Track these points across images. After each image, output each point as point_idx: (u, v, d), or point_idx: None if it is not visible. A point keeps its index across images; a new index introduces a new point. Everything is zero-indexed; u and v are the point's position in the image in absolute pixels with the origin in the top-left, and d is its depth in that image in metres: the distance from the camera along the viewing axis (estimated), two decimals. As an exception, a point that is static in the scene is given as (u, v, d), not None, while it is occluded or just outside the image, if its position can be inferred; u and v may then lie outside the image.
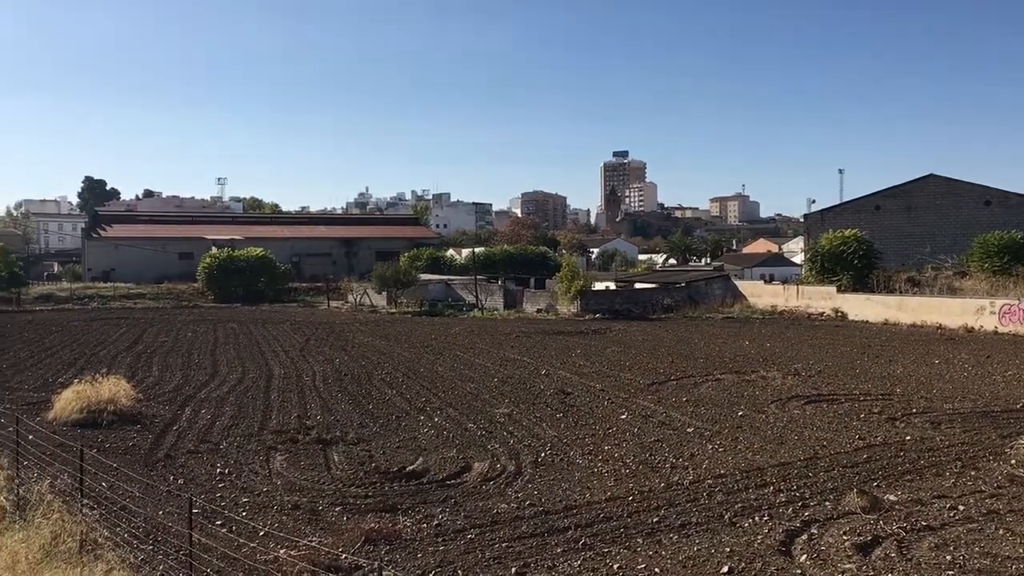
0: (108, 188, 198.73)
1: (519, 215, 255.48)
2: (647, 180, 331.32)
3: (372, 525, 12.55)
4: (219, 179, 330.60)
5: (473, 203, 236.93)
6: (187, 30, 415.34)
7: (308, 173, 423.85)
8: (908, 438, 18.41)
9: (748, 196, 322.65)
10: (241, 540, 11.60)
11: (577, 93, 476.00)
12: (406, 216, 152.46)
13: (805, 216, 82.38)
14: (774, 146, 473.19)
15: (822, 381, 26.72)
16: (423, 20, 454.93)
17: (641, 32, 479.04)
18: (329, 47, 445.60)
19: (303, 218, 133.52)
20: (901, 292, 50.99)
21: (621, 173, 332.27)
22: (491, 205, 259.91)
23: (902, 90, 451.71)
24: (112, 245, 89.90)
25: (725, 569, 10.90)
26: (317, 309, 65.79)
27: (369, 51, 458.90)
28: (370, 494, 14.64)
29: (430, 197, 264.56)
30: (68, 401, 20.79)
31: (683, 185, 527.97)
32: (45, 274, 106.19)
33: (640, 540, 12.07)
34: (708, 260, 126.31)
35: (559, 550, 11.73)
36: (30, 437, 15.53)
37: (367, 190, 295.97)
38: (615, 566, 11.07)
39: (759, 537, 12.08)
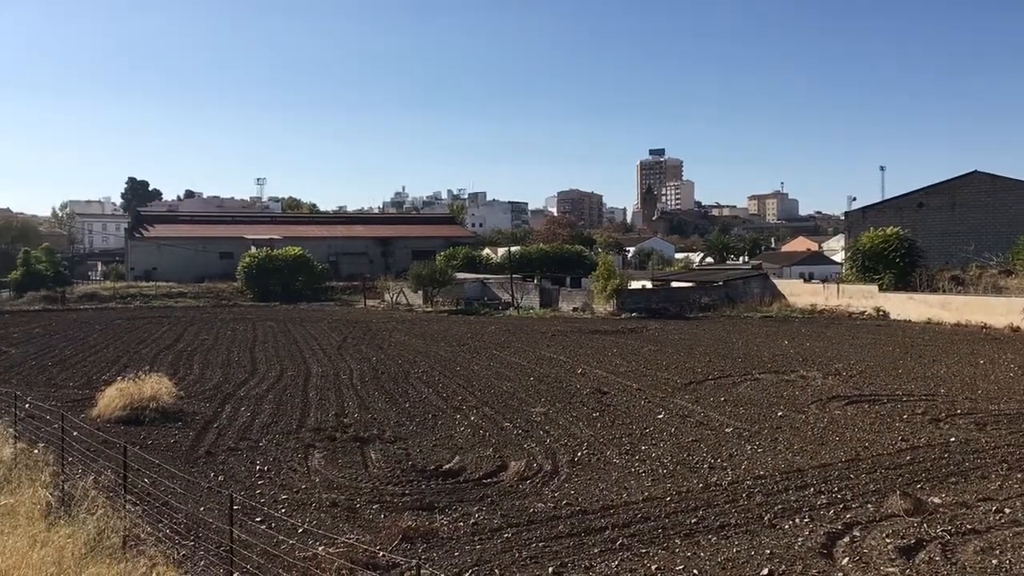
0: (151, 189, 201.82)
1: (555, 214, 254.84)
2: (684, 178, 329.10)
3: (409, 523, 12.60)
4: (258, 179, 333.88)
5: (509, 202, 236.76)
6: (227, 32, 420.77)
7: (345, 173, 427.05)
8: (952, 439, 18.10)
9: (787, 194, 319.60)
10: (280, 537, 11.72)
11: (613, 91, 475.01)
12: (442, 215, 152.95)
13: (846, 214, 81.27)
14: (813, 143, 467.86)
15: (864, 381, 26.35)
16: (459, 18, 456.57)
17: (678, 29, 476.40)
18: (365, 47, 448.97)
19: (340, 218, 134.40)
20: (945, 291, 50.09)
21: (658, 171, 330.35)
22: (527, 204, 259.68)
23: (945, 85, 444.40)
24: (154, 245, 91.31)
25: (765, 572, 10.78)
26: (354, 308, 66.23)
27: (404, 50, 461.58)
28: (407, 492, 14.70)
29: (466, 196, 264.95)
30: (112, 398, 21.15)
31: (721, 183, 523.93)
32: (89, 273, 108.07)
33: (678, 541, 11.99)
34: (746, 259, 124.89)
35: (596, 550, 11.68)
36: (75, 434, 15.81)
37: (403, 189, 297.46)
38: (653, 567, 11.01)
39: (799, 539, 11.94)
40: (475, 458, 17.00)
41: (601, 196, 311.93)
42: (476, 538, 12.25)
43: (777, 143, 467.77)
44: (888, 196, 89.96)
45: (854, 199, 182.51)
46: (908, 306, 49.21)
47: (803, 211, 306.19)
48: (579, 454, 17.30)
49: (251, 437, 19.06)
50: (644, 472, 15.84)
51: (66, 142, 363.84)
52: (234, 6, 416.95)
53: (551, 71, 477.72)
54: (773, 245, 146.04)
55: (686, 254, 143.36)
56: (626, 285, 58.48)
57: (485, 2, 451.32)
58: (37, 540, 10.80)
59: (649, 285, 67.17)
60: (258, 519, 12.73)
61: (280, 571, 10.70)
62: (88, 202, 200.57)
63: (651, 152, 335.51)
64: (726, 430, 19.41)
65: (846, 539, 11.95)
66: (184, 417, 21.21)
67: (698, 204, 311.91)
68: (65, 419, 15.49)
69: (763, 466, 16.09)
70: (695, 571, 10.86)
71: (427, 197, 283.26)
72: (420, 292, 65.48)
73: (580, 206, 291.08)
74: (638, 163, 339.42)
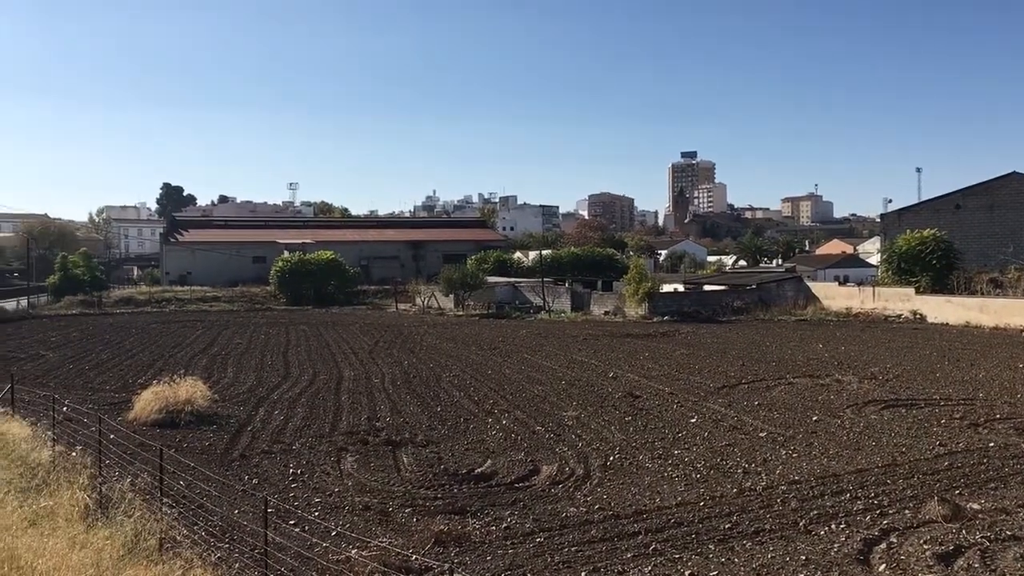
0: (185, 194, 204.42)
1: (586, 217, 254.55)
2: (716, 181, 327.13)
3: (441, 527, 12.62)
4: (291, 184, 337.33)
5: (540, 205, 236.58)
6: (260, 40, 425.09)
7: (377, 177, 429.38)
8: (992, 445, 17.79)
9: (821, 196, 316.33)
10: (314, 540, 11.77)
11: (644, 93, 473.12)
12: (473, 219, 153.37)
13: (881, 216, 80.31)
14: (848, 145, 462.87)
15: (900, 385, 25.99)
16: (490, 23, 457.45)
17: (709, 31, 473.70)
18: (395, 52, 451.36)
19: (372, 222, 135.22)
20: (983, 294, 49.33)
21: (689, 174, 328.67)
22: (558, 207, 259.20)
23: (982, 86, 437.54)
24: (188, 249, 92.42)
25: (800, 578, 10.65)
26: (385, 312, 66.53)
27: (435, 55, 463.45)
28: (439, 496, 14.72)
29: (497, 200, 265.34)
30: (147, 402, 21.42)
31: (754, 185, 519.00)
32: (125, 278, 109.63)
33: (712, 547, 11.88)
34: (779, 261, 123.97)
35: (629, 555, 11.62)
36: (112, 437, 16.03)
37: (434, 193, 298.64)
38: (686, 573, 10.93)
39: (836, 545, 11.79)
40: (507, 462, 16.99)
41: (632, 199, 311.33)
42: (508, 542, 12.23)
43: (811, 145, 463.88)
44: (924, 198, 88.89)
45: (890, 201, 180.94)
46: (946, 309, 48.50)
47: (838, 213, 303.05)
48: (611, 458, 17.23)
49: (284, 440, 19.20)
50: (677, 477, 15.74)
51: (103, 149, 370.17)
52: (269, 14, 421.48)
53: (582, 74, 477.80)
54: (807, 248, 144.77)
55: (718, 257, 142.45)
56: (658, 288, 58.20)
57: (517, 7, 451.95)
58: (76, 542, 10.96)
59: (681, 288, 66.78)
60: (292, 522, 12.81)
61: (313, 574, 10.77)
62: (124, 207, 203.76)
63: (683, 155, 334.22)
64: (760, 434, 19.24)
65: (883, 545, 11.78)
66: (218, 420, 21.42)
67: (730, 207, 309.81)
68: (102, 422, 15.69)
69: (798, 471, 15.91)
70: (729, 577, 10.76)
71: (458, 201, 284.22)
72: (451, 296, 65.62)
73: (611, 209, 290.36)
74: (670, 166, 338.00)
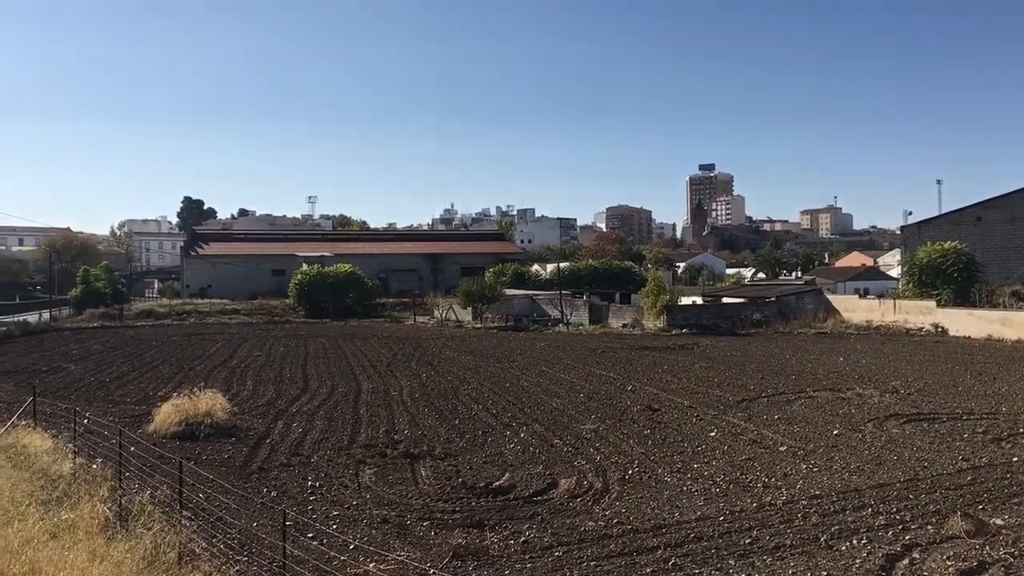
0: (205, 208, 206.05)
1: (604, 229, 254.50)
2: (734, 193, 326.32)
3: (459, 541, 12.58)
4: (310, 198, 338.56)
5: (558, 218, 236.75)
6: (279, 55, 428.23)
7: (395, 190, 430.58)
8: (1015, 459, 17.59)
9: (840, 208, 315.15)
10: (332, 553, 11.77)
11: (662, 106, 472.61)
12: (491, 231, 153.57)
13: (902, 228, 79.87)
14: (867, 157, 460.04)
15: (922, 399, 25.74)
16: (508, 37, 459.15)
17: (727, 43, 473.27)
18: (414, 67, 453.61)
19: (390, 234, 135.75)
20: (1005, 307, 48.89)
21: (707, 186, 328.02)
22: (575, 220, 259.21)
23: (1002, 97, 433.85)
24: (209, 262, 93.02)
25: (822, 594, 10.55)
26: (404, 324, 66.65)
27: (453, 68, 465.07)
28: (457, 509, 14.69)
29: (515, 212, 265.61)
30: (167, 414, 21.54)
31: (772, 198, 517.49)
32: (146, 291, 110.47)
33: (732, 562, 11.79)
34: (799, 274, 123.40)
35: (648, 570, 11.55)
36: (132, 449, 16.09)
37: (452, 206, 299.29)
38: (706, 588, 10.84)
39: (857, 561, 11.66)
40: (525, 475, 16.95)
41: (650, 212, 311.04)
42: (527, 556, 12.19)
43: (830, 157, 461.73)
44: (945, 210, 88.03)
45: (910, 213, 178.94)
46: (967, 322, 48.07)
47: (857, 225, 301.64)
48: (630, 472, 17.15)
49: (303, 453, 19.24)
50: (696, 491, 15.64)
51: (125, 163, 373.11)
52: (289, 30, 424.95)
53: (599, 87, 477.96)
54: (827, 260, 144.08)
55: (737, 270, 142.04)
56: (676, 301, 58.03)
57: (535, 20, 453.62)
58: (96, 554, 11.02)
59: (700, 301, 66.57)
60: (310, 535, 12.82)
61: (332, 587, 10.76)
62: (145, 221, 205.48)
63: (701, 167, 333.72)
64: (780, 449, 19.10)
65: (905, 561, 11.65)
66: (237, 433, 21.50)
67: (749, 219, 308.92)
68: (122, 434, 15.79)
69: (819, 486, 15.78)
70: (750, 593, 10.67)
71: (476, 214, 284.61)
72: (469, 308, 65.66)
73: (629, 222, 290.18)
74: (687, 178, 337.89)
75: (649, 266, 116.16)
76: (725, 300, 65.63)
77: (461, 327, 61.99)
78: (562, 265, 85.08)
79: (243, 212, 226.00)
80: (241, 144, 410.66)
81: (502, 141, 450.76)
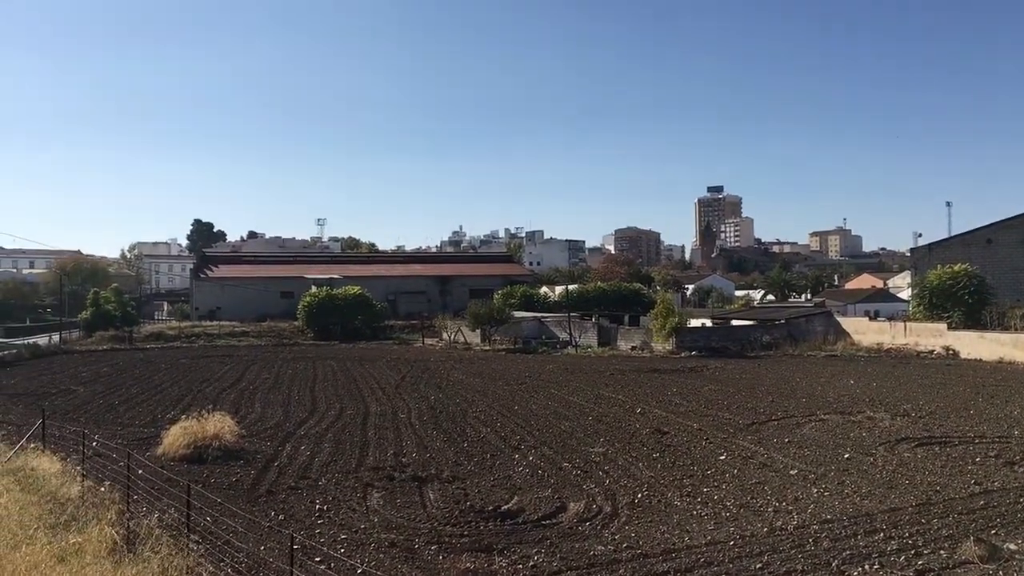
0: (215, 230, 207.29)
1: (612, 252, 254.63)
2: (743, 215, 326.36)
3: (468, 565, 12.51)
4: (319, 220, 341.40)
5: (566, 240, 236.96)
6: (287, 77, 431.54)
7: (404, 212, 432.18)
8: (1029, 484, 17.41)
9: (850, 230, 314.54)
10: (339, 578, 11.69)
11: (670, 128, 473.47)
12: (499, 254, 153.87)
13: (912, 250, 79.79)
14: (877, 178, 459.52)
15: (934, 422, 25.55)
16: (513, 60, 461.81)
17: (734, 66, 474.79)
18: (421, 89, 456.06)
19: (399, 257, 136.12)
20: (1017, 329, 48.59)
21: (716, 208, 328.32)
22: (584, 242, 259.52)
23: (1011, 119, 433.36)
24: (218, 285, 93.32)
25: (834, 620, 10.43)
26: (412, 347, 66.66)
27: (462, 91, 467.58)
28: (465, 533, 14.60)
29: (523, 234, 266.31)
30: (176, 437, 21.53)
31: (781, 219, 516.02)
32: (155, 313, 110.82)
33: (743, 587, 11.67)
34: (808, 296, 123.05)
35: (658, 596, 11.43)
36: (140, 472, 16.07)
37: (461, 228, 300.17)
38: (717, 614, 10.72)
39: (870, 587, 11.53)
40: (534, 499, 16.85)
41: (659, 233, 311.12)
42: (535, 581, 12.09)
43: (839, 178, 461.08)
44: (955, 232, 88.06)
45: (919, 235, 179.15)
46: (979, 345, 47.80)
47: (867, 247, 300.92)
48: (639, 496, 17.04)
49: (311, 476, 19.19)
50: (706, 515, 15.53)
51: (135, 186, 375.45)
52: (297, 54, 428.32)
53: (608, 109, 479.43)
54: (836, 282, 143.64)
55: (746, 292, 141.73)
56: (685, 323, 57.95)
57: (544, 42, 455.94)
58: (103, 578, 10.96)
59: (709, 323, 66.43)
60: (317, 559, 12.75)
61: (339, 612, 10.68)
62: (155, 243, 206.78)
63: (709, 189, 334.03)
64: (791, 472, 18.96)
65: (919, 588, 11.51)
66: (246, 455, 21.46)
67: (758, 241, 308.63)
68: (131, 457, 15.78)
69: (830, 510, 15.64)
70: (761, 619, 10.55)
71: (484, 236, 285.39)
72: (478, 331, 65.66)
73: (637, 244, 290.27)
74: (696, 200, 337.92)
75: (658, 288, 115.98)
76: (734, 322, 65.45)
77: (470, 349, 61.95)
78: (571, 287, 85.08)
79: (252, 234, 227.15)
80: (251, 167, 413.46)
81: (510, 164, 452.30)
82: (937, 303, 54.23)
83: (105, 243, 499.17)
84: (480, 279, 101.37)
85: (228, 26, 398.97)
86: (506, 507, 16.28)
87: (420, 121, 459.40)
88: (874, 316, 68.26)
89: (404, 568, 12.73)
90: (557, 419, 27.19)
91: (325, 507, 16.39)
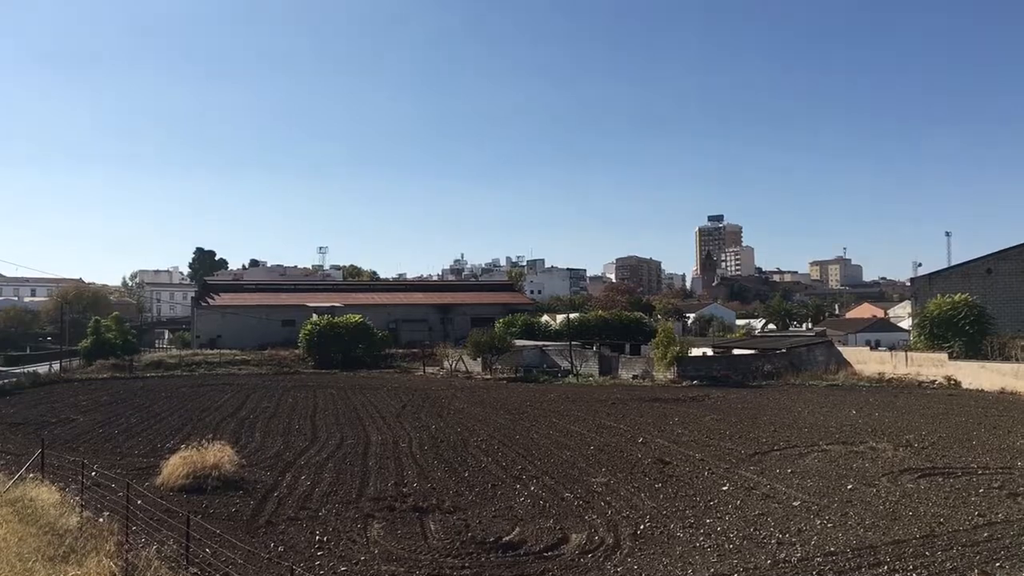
0: (217, 258, 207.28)
1: (613, 280, 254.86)
2: (744, 244, 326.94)
3: (469, 598, 12.40)
4: (320, 248, 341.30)
5: (567, 269, 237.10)
6: (289, 106, 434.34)
7: (405, 241, 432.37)
8: (1034, 516, 17.30)
9: (850, 259, 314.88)
10: (339, 610, 11.60)
11: (671, 157, 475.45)
12: (501, 282, 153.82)
13: (912, 280, 79.78)
14: (877, 208, 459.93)
15: (936, 453, 25.44)
16: (514, 90, 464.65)
17: (736, 95, 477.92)
18: (420, 117, 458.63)
19: (400, 285, 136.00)
20: (1018, 360, 48.49)
21: (717, 237, 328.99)
22: (585, 270, 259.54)
23: (1010, 150, 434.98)
24: (219, 313, 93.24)
25: (839, 655, 10.33)
26: (413, 375, 66.51)
27: (464, 119, 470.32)
28: (466, 565, 14.51)
29: (524, 263, 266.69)
30: (175, 467, 21.46)
31: (781, 249, 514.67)
32: (156, 341, 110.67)
33: (746, 621, 11.57)
34: (809, 325, 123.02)
35: (661, 629, 11.33)
36: (139, 502, 16.01)
37: (462, 256, 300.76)
38: (721, 648, 10.62)
39: (875, 621, 11.43)
40: (535, 530, 16.75)
41: (659, 262, 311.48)
42: (537, 614, 11.99)
43: (839, 208, 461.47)
44: (955, 262, 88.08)
45: (919, 265, 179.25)
46: (980, 375, 47.68)
47: (867, 277, 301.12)
48: (642, 527, 16.94)
49: (311, 507, 19.09)
50: (709, 547, 15.42)
51: (136, 214, 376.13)
52: (298, 84, 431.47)
53: (609, 138, 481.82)
54: (837, 311, 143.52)
55: (747, 320, 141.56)
56: (686, 352, 57.84)
57: (543, 71, 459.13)
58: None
59: (710, 352, 66.36)
60: (317, 591, 12.65)
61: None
62: (157, 272, 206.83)
63: (710, 218, 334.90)
64: (794, 503, 18.86)
65: (925, 622, 11.41)
66: (245, 486, 21.36)
67: (758, 270, 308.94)
68: (130, 488, 15.71)
69: (834, 542, 15.54)
70: (765, 654, 10.45)
71: (486, 264, 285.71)
72: (479, 359, 65.54)
73: (638, 272, 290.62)
74: (696, 229, 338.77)
75: (659, 317, 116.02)
76: (736, 352, 65.37)
77: (471, 378, 61.82)
78: (572, 316, 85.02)
79: (254, 263, 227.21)
80: (252, 195, 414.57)
81: (511, 193, 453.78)
82: (938, 333, 54.21)
83: (107, 271, 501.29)
84: (481, 307, 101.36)
85: (230, 53, 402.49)
86: (508, 538, 16.18)
87: (422, 150, 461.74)
88: (875, 346, 68.29)
89: (405, 601, 12.63)
90: (559, 449, 27.08)
91: (325, 538, 16.30)
